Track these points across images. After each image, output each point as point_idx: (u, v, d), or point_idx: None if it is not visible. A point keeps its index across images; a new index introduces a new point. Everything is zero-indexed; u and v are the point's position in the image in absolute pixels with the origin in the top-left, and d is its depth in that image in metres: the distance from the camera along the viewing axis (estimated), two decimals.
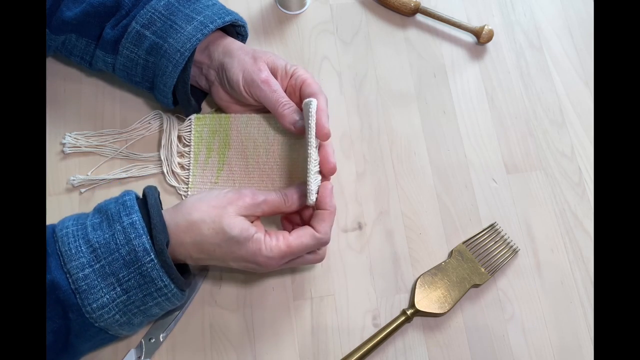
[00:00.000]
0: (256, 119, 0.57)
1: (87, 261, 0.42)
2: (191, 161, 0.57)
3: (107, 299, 0.43)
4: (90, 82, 0.61)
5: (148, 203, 0.45)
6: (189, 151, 0.57)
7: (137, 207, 0.45)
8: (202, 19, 0.52)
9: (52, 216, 0.53)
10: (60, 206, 0.55)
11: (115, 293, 0.43)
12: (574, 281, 0.56)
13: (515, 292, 0.55)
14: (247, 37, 0.59)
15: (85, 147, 0.58)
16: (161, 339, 0.51)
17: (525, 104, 0.63)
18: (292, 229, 0.48)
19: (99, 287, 0.42)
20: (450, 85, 0.64)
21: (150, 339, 0.51)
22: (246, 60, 0.53)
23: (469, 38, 0.66)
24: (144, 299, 0.44)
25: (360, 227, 0.57)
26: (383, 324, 0.52)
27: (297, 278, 0.55)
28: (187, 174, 0.57)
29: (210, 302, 0.53)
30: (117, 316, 0.44)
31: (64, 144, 0.57)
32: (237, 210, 0.46)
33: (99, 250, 0.43)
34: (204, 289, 0.54)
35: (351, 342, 0.52)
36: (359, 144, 0.60)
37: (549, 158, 0.61)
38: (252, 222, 0.47)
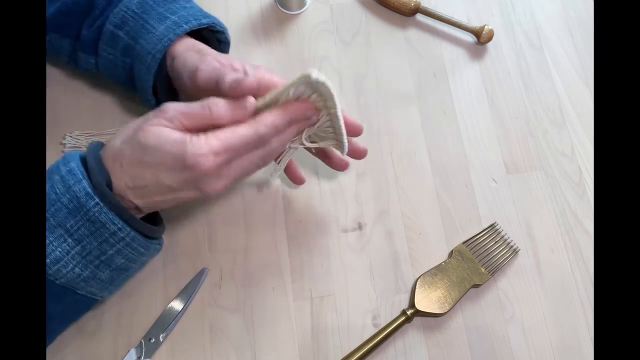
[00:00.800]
0: None
1: None
2: None
3: (60, 251, 0.41)
4: (90, 82, 0.61)
5: (88, 149, 0.43)
6: None
7: (76, 157, 0.42)
8: (176, 18, 0.49)
9: None
10: None
11: (68, 245, 0.41)
12: (574, 281, 0.56)
13: (515, 292, 0.55)
14: (229, 46, 0.55)
15: (86, 147, 0.57)
16: (161, 339, 0.51)
17: (525, 104, 0.63)
18: None
19: (48, 241, 0.41)
20: (450, 85, 0.64)
21: (150, 339, 0.51)
22: (196, 56, 0.48)
23: (469, 38, 0.66)
24: (100, 247, 0.42)
25: (360, 227, 0.57)
26: (383, 324, 0.52)
27: (297, 278, 0.55)
28: None
29: (210, 302, 0.53)
30: (77, 269, 0.42)
31: (64, 144, 0.57)
32: (152, 122, 0.41)
33: None
34: (204, 289, 0.54)
35: (351, 342, 0.52)
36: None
37: (549, 158, 0.61)
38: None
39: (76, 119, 0.59)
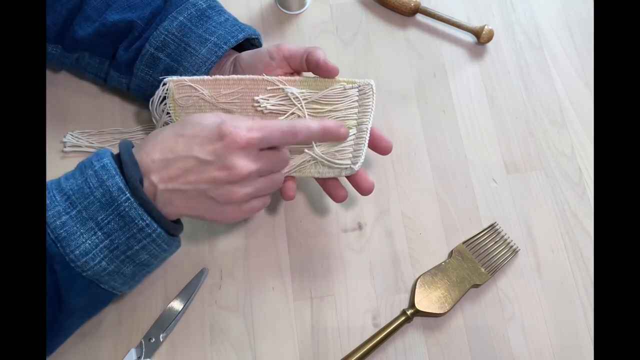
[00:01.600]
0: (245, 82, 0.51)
1: (62, 209, 0.42)
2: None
3: (90, 244, 0.42)
4: (90, 82, 0.61)
5: (119, 146, 0.44)
6: (170, 120, 0.52)
7: (109, 153, 0.44)
8: (215, 39, 0.52)
9: None
10: None
11: (97, 238, 0.42)
12: (574, 281, 0.55)
13: (515, 292, 0.55)
14: (262, 43, 0.57)
15: (86, 146, 0.58)
16: (161, 339, 0.51)
17: (525, 104, 0.63)
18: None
19: (79, 233, 0.42)
20: (450, 85, 0.64)
21: (150, 339, 0.51)
22: (257, 50, 0.53)
23: (469, 38, 0.66)
24: (127, 242, 0.43)
25: (360, 227, 0.57)
26: (383, 324, 0.52)
27: (297, 278, 0.55)
28: None
29: (210, 302, 0.53)
30: (104, 263, 0.43)
31: (64, 143, 0.57)
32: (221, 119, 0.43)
33: (73, 197, 0.42)
34: (204, 289, 0.54)
35: (351, 342, 0.52)
36: None
37: (549, 158, 0.61)
38: None
39: (76, 119, 0.59)
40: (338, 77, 0.51)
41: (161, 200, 0.44)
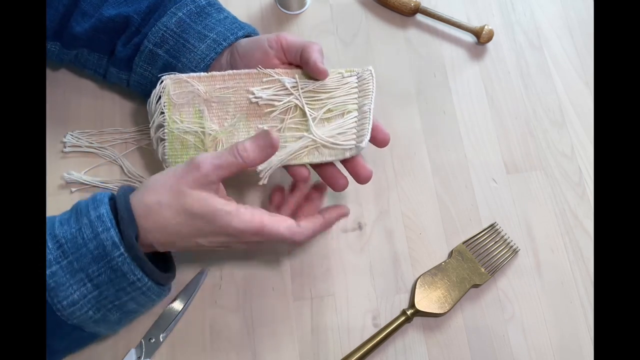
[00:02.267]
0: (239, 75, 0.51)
1: (53, 257, 0.41)
2: (166, 129, 0.50)
3: (78, 295, 0.41)
4: (89, 81, 0.61)
5: (116, 196, 0.43)
6: (164, 119, 0.50)
7: (106, 201, 0.43)
8: (214, 36, 0.51)
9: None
10: (58, 205, 0.55)
11: (86, 289, 0.42)
12: (574, 281, 0.55)
13: (515, 292, 0.55)
14: None
15: (86, 147, 0.57)
16: (161, 339, 0.51)
17: (525, 104, 0.63)
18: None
19: (68, 284, 0.41)
20: (450, 85, 0.64)
21: (150, 339, 0.51)
22: (257, 38, 0.52)
23: (469, 38, 0.66)
24: (117, 294, 0.43)
25: (360, 227, 0.57)
26: (383, 324, 0.52)
27: (297, 278, 0.55)
28: (164, 145, 0.51)
29: (210, 302, 0.53)
30: (91, 312, 0.42)
31: (64, 143, 0.57)
32: (193, 185, 0.42)
33: (65, 246, 0.41)
34: (204, 289, 0.54)
35: (351, 342, 0.52)
36: None
37: (549, 158, 0.61)
38: (215, 189, 0.44)
39: (76, 119, 0.59)
40: (336, 68, 0.51)
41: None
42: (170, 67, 0.52)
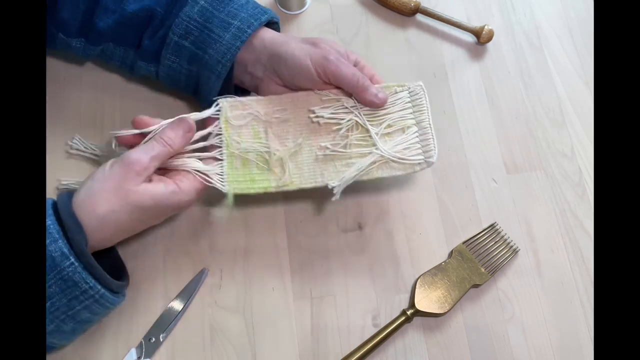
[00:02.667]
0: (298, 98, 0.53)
1: None
2: (224, 152, 0.51)
3: None
4: (90, 82, 0.61)
5: (58, 205, 0.43)
6: (220, 140, 0.51)
7: (50, 212, 0.43)
8: (238, 23, 0.51)
9: None
10: None
11: None
12: (574, 281, 0.55)
13: (515, 292, 0.55)
14: (279, 31, 0.57)
15: (91, 153, 0.57)
16: (161, 339, 0.51)
17: (525, 104, 0.63)
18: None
19: None
20: (450, 85, 0.64)
21: (150, 339, 0.51)
22: (305, 46, 0.51)
23: (469, 38, 0.66)
24: (69, 304, 0.43)
25: (360, 227, 0.57)
26: (383, 324, 0.52)
27: (297, 278, 0.55)
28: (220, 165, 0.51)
29: (210, 302, 0.53)
30: None
31: (70, 145, 0.57)
32: (137, 181, 0.45)
33: None
34: (204, 289, 0.54)
35: (351, 342, 0.52)
36: None
37: (549, 158, 0.61)
38: (151, 179, 0.47)
39: (76, 119, 0.60)
40: (387, 82, 0.54)
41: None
42: (198, 58, 0.51)
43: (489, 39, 0.64)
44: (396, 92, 0.53)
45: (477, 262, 0.55)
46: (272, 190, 0.50)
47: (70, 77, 0.61)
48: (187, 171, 0.49)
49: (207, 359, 0.51)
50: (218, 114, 0.52)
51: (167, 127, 0.49)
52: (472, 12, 0.67)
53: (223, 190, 0.50)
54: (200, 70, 0.52)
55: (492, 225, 0.57)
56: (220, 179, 0.50)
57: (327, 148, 0.51)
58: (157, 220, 0.49)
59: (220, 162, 0.51)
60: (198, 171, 0.49)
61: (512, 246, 0.56)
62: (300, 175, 0.51)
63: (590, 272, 0.56)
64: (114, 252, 0.51)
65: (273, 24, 0.55)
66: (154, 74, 0.55)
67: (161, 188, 0.46)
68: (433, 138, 0.51)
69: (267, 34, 0.53)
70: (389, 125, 0.52)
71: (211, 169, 0.50)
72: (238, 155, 0.51)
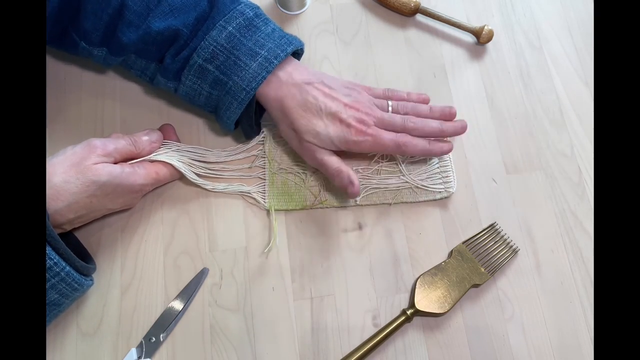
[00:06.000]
0: None
1: None
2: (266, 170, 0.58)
3: None
4: (90, 83, 0.61)
5: None
6: (264, 162, 0.58)
7: None
8: (265, 54, 0.51)
9: None
10: None
11: None
12: (574, 281, 0.56)
13: (515, 292, 0.55)
14: (302, 54, 0.58)
15: None
16: (161, 339, 0.51)
17: (525, 104, 0.63)
18: None
19: None
20: (450, 85, 0.64)
21: (150, 339, 0.51)
22: (292, 136, 0.53)
23: (469, 38, 0.66)
24: None
25: (360, 227, 0.57)
26: (383, 324, 0.52)
27: (297, 278, 0.55)
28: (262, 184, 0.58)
29: (210, 302, 0.53)
30: None
31: None
32: (96, 161, 0.48)
33: None
34: (204, 289, 0.54)
35: (351, 342, 0.52)
36: None
37: (549, 158, 0.61)
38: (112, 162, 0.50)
39: (76, 119, 0.60)
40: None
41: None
42: (221, 83, 0.51)
43: (489, 39, 0.64)
44: None
45: (477, 262, 0.55)
46: (308, 207, 0.57)
47: (70, 78, 0.62)
48: (149, 161, 0.54)
49: (207, 359, 0.52)
50: (263, 141, 0.59)
51: (143, 132, 0.54)
52: (472, 12, 0.67)
53: (265, 206, 0.56)
54: (221, 95, 0.52)
55: (492, 225, 0.57)
56: (262, 196, 0.57)
57: (359, 172, 0.58)
58: (112, 202, 0.50)
59: (263, 181, 0.58)
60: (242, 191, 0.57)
61: (512, 246, 0.56)
62: (334, 193, 0.57)
63: (590, 272, 0.56)
64: (73, 240, 0.53)
65: (299, 50, 0.56)
66: (172, 89, 0.55)
67: (118, 167, 0.50)
68: (452, 170, 0.58)
69: (278, 77, 0.52)
70: (414, 156, 0.58)
71: (254, 189, 0.57)
72: (279, 176, 0.57)
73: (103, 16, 0.50)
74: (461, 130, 0.56)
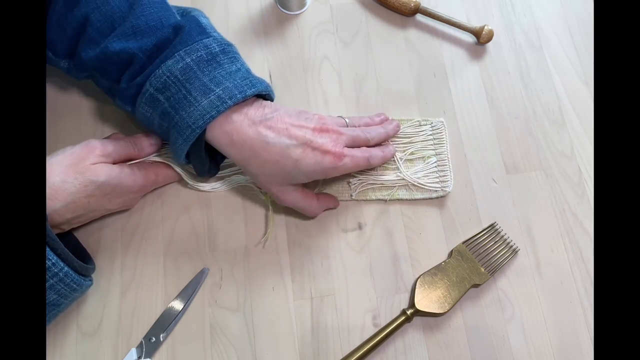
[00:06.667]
0: None
1: None
2: None
3: None
4: (90, 82, 0.61)
5: None
6: None
7: None
8: (220, 92, 0.46)
9: None
10: None
11: None
12: (574, 281, 0.56)
13: (515, 292, 0.55)
14: (273, 100, 0.53)
15: None
16: (161, 339, 0.51)
17: (525, 104, 0.63)
18: None
19: None
20: (450, 85, 0.64)
21: (150, 339, 0.51)
22: (260, 181, 0.50)
23: (469, 38, 0.66)
24: None
25: (360, 227, 0.57)
26: (383, 324, 0.52)
27: (297, 278, 0.55)
28: None
29: (210, 302, 0.53)
30: None
31: None
32: (94, 161, 0.48)
33: None
34: (204, 289, 0.54)
35: (351, 342, 0.52)
36: None
37: (549, 158, 0.61)
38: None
39: (76, 119, 0.60)
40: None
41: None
42: (169, 116, 0.47)
43: (489, 39, 0.64)
44: (420, 125, 0.60)
45: (477, 262, 0.55)
46: None
47: (70, 78, 0.61)
48: (150, 162, 0.53)
49: (207, 359, 0.52)
50: None
51: (142, 134, 0.54)
52: (472, 12, 0.67)
53: (261, 198, 0.56)
54: (170, 128, 0.48)
55: (492, 225, 0.57)
56: (260, 190, 0.56)
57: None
58: (110, 202, 0.50)
59: None
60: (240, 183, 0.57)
61: (512, 246, 0.56)
62: (330, 189, 0.57)
63: (590, 272, 0.56)
64: (72, 240, 0.53)
65: (265, 94, 0.51)
66: (131, 113, 0.51)
67: (117, 168, 0.49)
68: (450, 170, 0.58)
69: (236, 124, 0.47)
70: (412, 153, 0.59)
71: (252, 181, 0.56)
72: None
73: (67, 29, 0.48)
74: (397, 128, 0.58)
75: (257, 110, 0.48)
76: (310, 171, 0.49)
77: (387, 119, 0.59)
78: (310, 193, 0.54)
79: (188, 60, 0.47)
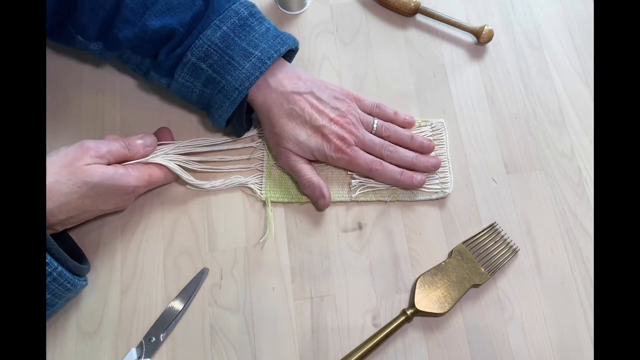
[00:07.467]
0: None
1: None
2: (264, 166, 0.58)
3: None
4: (90, 82, 0.61)
5: None
6: (262, 155, 0.59)
7: None
8: (259, 54, 0.51)
9: None
10: None
11: None
12: (574, 281, 0.56)
13: (515, 292, 0.55)
14: (297, 52, 0.58)
15: None
16: (161, 339, 0.51)
17: (525, 104, 0.63)
18: None
19: None
20: (450, 85, 0.64)
21: (150, 339, 0.51)
22: (273, 139, 0.55)
23: (469, 38, 0.66)
24: None
25: (360, 227, 0.57)
26: (383, 324, 0.52)
27: (297, 278, 0.55)
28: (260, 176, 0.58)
29: (210, 302, 0.53)
30: None
31: None
32: (89, 162, 0.48)
33: None
34: (204, 289, 0.54)
35: (351, 342, 0.52)
36: None
37: (549, 158, 0.61)
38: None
39: (76, 119, 0.59)
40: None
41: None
42: (214, 82, 0.52)
43: (489, 39, 0.64)
44: (420, 126, 0.60)
45: (477, 262, 0.55)
46: (304, 202, 0.57)
47: (70, 77, 0.62)
48: (144, 164, 0.54)
49: (207, 359, 0.51)
50: (262, 133, 0.59)
51: (137, 136, 0.54)
52: (472, 12, 0.67)
53: (261, 198, 0.57)
54: (214, 94, 0.52)
55: (492, 225, 0.57)
56: (259, 188, 0.57)
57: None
58: (104, 203, 0.50)
59: (261, 173, 0.58)
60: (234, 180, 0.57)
61: (512, 246, 0.56)
62: (330, 189, 0.56)
63: (590, 272, 0.56)
64: (67, 240, 0.53)
65: (294, 49, 0.57)
66: (165, 86, 0.55)
67: (111, 169, 0.49)
68: (450, 171, 0.58)
69: (267, 81, 0.53)
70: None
71: (251, 179, 0.57)
72: (277, 169, 0.58)
73: (100, 12, 0.50)
74: (432, 168, 0.57)
75: (291, 80, 0.54)
76: (315, 150, 0.54)
77: (430, 146, 0.58)
78: (313, 174, 0.55)
79: (224, 28, 0.51)
